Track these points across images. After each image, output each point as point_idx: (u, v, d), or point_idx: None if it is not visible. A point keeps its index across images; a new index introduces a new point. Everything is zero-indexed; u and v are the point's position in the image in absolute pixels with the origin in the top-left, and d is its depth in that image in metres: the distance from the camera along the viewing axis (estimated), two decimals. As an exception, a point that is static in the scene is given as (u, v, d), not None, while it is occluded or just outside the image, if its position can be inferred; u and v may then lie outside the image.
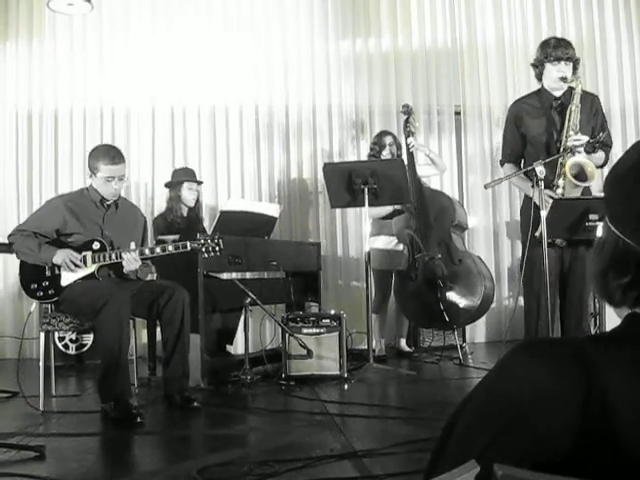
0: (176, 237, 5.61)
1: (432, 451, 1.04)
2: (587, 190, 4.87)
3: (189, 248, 4.40)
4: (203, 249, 4.42)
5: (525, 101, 5.15)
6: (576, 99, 4.83)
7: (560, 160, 4.78)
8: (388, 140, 6.45)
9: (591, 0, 7.98)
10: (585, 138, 4.73)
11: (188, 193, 6.30)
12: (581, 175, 4.74)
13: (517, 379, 0.96)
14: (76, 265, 4.37)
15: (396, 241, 6.36)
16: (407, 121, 6.32)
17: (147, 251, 4.44)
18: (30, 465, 3.16)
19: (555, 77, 4.88)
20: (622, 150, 1.09)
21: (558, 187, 4.77)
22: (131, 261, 4.39)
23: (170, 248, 4.41)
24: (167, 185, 6.44)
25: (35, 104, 7.25)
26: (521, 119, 5.08)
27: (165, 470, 3.23)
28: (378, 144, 6.49)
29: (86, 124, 7.28)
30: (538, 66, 5.01)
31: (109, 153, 4.54)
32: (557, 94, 4.96)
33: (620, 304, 1.06)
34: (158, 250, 4.43)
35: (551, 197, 4.67)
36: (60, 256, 4.37)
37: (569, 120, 4.81)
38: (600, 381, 0.91)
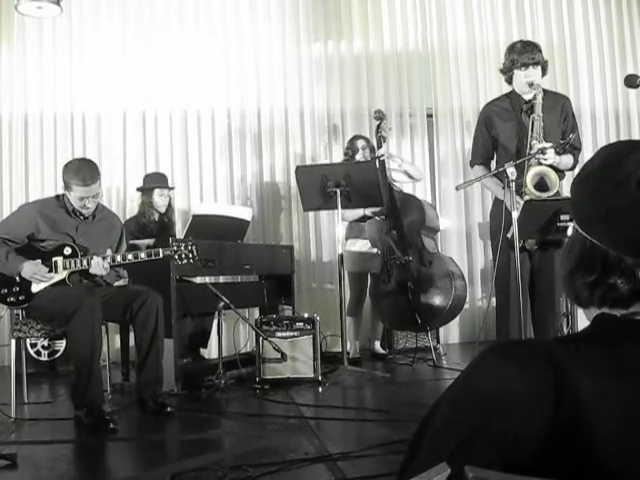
0: (150, 242, 5.57)
1: (405, 453, 1.04)
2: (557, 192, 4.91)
3: (162, 256, 4.36)
4: (176, 256, 4.38)
5: (496, 104, 5.20)
6: (537, 109, 4.87)
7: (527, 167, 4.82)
8: (360, 144, 6.45)
9: (561, 2, 8.05)
10: (548, 145, 4.77)
11: (160, 199, 6.30)
12: (543, 184, 4.78)
13: (487, 381, 0.97)
14: (44, 277, 4.34)
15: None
16: (379, 126, 6.31)
17: (119, 258, 4.39)
18: (2, 473, 3.13)
19: (523, 82, 4.92)
20: (592, 152, 1.11)
21: (526, 194, 4.80)
22: (97, 266, 4.34)
23: (142, 255, 4.37)
24: (139, 189, 6.43)
25: (4, 109, 7.16)
26: (492, 122, 5.12)
27: (139, 476, 3.20)
28: (351, 149, 6.49)
29: (57, 129, 7.21)
30: (507, 72, 5.05)
31: (81, 173, 4.36)
32: (527, 97, 5.00)
33: (587, 304, 1.07)
34: (130, 257, 4.38)
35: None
36: (27, 270, 4.31)
37: (532, 130, 4.84)
38: (570, 382, 0.92)
